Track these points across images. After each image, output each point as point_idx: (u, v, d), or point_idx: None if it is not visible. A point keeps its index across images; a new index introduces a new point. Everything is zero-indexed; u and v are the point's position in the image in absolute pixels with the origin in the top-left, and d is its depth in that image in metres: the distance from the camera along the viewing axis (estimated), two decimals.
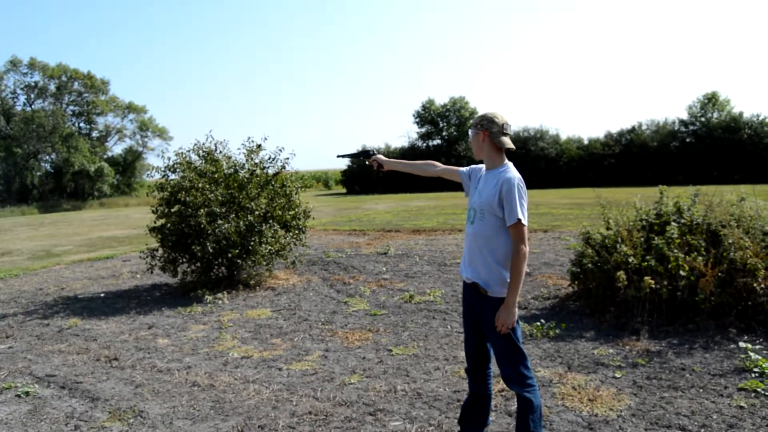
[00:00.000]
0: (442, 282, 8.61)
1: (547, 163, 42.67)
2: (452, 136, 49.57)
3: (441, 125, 50.49)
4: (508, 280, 3.18)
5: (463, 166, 3.75)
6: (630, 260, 5.98)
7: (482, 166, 3.43)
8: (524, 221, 3.11)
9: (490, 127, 3.27)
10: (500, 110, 3.33)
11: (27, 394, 4.84)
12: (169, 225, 8.55)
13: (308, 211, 9.78)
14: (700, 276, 5.73)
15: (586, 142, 45.00)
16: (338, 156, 4.92)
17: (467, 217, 3.43)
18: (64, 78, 47.18)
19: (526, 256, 3.14)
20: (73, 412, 4.45)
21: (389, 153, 46.71)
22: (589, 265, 6.36)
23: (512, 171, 3.21)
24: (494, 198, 3.16)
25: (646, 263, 5.91)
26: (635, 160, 40.95)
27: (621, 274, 5.86)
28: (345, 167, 50.43)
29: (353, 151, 4.37)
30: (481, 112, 3.38)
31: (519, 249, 3.12)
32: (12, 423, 4.29)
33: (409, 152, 48.14)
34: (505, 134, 3.28)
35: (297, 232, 9.49)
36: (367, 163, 4.08)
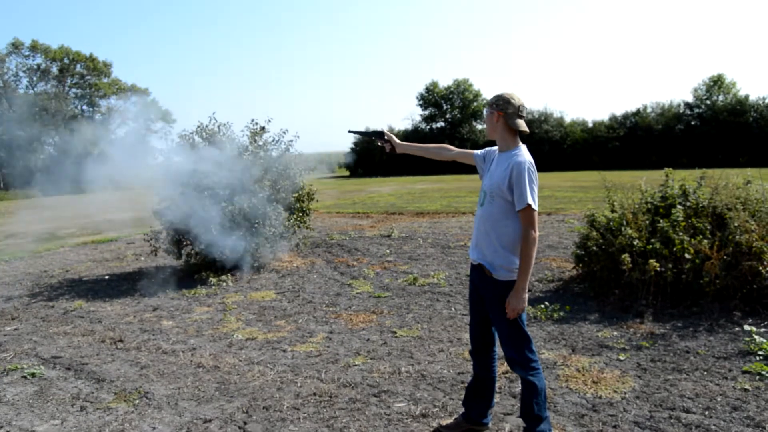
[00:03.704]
0: (446, 264, 8.61)
1: (551, 146, 42.51)
2: (456, 118, 49.38)
3: (445, 108, 50.28)
4: (514, 265, 3.16)
5: (466, 148, 3.71)
6: (635, 243, 5.96)
7: (496, 148, 3.39)
8: (534, 206, 3.07)
9: (505, 107, 3.22)
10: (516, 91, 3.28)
11: (33, 375, 4.86)
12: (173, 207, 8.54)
13: (312, 194, 9.76)
14: (705, 259, 5.71)
15: (590, 125, 44.82)
16: (349, 131, 4.86)
17: (478, 199, 3.41)
18: (66, 60, 47.06)
19: (536, 241, 3.11)
20: (79, 393, 4.47)
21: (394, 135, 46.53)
22: (594, 247, 6.34)
23: (524, 154, 3.17)
24: (504, 181, 3.13)
25: (651, 246, 5.89)
26: (640, 143, 40.77)
27: (626, 256, 5.85)
28: (348, 150, 50.32)
29: (365, 130, 4.31)
30: (490, 92, 3.33)
31: (528, 234, 3.09)
32: (18, 404, 4.32)
33: (413, 135, 47.99)
34: (521, 116, 3.23)
35: (301, 214, 9.48)
36: (378, 144, 4.00)
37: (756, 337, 4.91)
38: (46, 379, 4.80)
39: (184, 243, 8.75)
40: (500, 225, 3.18)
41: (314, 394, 4.27)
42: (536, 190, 3.12)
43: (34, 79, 46.63)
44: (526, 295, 3.14)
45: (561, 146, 43.03)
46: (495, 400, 3.71)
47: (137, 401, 4.27)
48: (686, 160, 35.34)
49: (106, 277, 8.87)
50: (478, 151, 3.55)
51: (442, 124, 50.03)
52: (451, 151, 3.78)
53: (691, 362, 4.58)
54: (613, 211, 6.65)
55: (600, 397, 4.02)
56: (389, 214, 15.49)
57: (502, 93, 3.27)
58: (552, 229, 11.43)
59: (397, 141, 3.93)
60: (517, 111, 3.22)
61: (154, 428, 3.84)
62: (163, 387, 4.52)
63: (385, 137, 3.96)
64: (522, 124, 3.23)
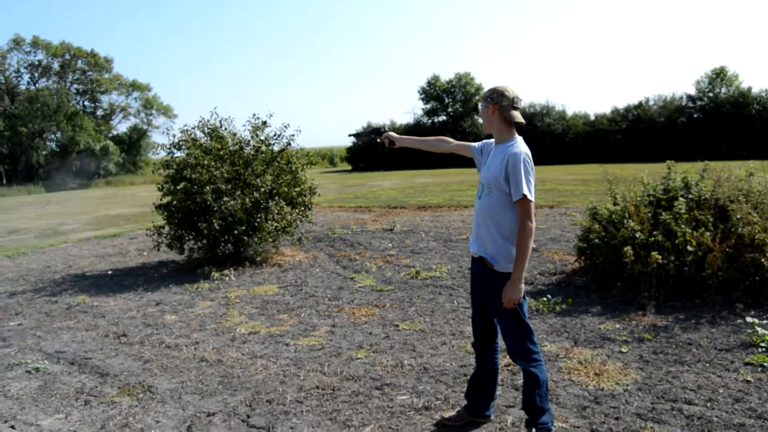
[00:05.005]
0: (448, 258, 8.61)
1: (553, 139, 42.34)
2: (458, 112, 49.25)
3: (446, 101, 50.16)
4: (515, 256, 3.17)
5: (468, 141, 3.72)
6: (637, 235, 5.95)
7: (493, 140, 3.40)
8: (530, 197, 3.08)
9: (500, 100, 3.23)
10: (510, 84, 3.29)
11: (37, 370, 4.89)
12: (175, 202, 8.56)
13: (314, 188, 9.77)
14: (707, 251, 5.70)
15: (592, 117, 44.58)
16: (350, 135, 4.92)
17: (476, 192, 3.42)
18: (67, 56, 47.00)
19: (532, 231, 3.12)
20: (83, 387, 4.50)
21: (395, 130, 46.45)
22: (596, 240, 6.34)
23: (520, 145, 3.18)
24: (501, 173, 3.14)
25: (653, 238, 5.88)
26: (642, 136, 40.59)
27: (628, 249, 5.84)
28: (350, 144, 50.28)
29: (363, 130, 4.33)
30: (489, 86, 3.33)
31: (525, 224, 3.10)
32: (23, 398, 4.34)
33: (414, 129, 47.90)
34: (515, 108, 3.24)
35: (303, 208, 9.49)
36: (378, 141, 4.02)
37: (758, 329, 4.91)
38: (50, 373, 4.82)
39: (187, 238, 8.77)
40: (499, 216, 3.19)
41: (317, 387, 4.29)
42: (532, 180, 3.12)
43: (36, 75, 46.59)
44: (523, 286, 3.15)
45: (563, 139, 42.86)
46: (497, 393, 3.72)
47: (141, 395, 4.29)
48: (689, 152, 35.20)
49: (109, 272, 8.90)
50: (476, 144, 3.57)
51: (444, 117, 49.89)
52: (449, 143, 3.79)
53: (694, 354, 4.58)
54: (615, 204, 6.65)
55: (602, 389, 4.03)
56: (391, 208, 15.48)
57: (496, 86, 3.28)
58: (554, 222, 11.42)
59: (396, 136, 3.95)
60: (511, 103, 3.23)
61: (157, 422, 3.86)
62: (166, 381, 4.54)
63: (383, 134, 3.98)
64: (517, 116, 3.24)
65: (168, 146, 9.10)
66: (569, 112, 45.21)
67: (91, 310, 6.76)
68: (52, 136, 45.39)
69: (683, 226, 5.84)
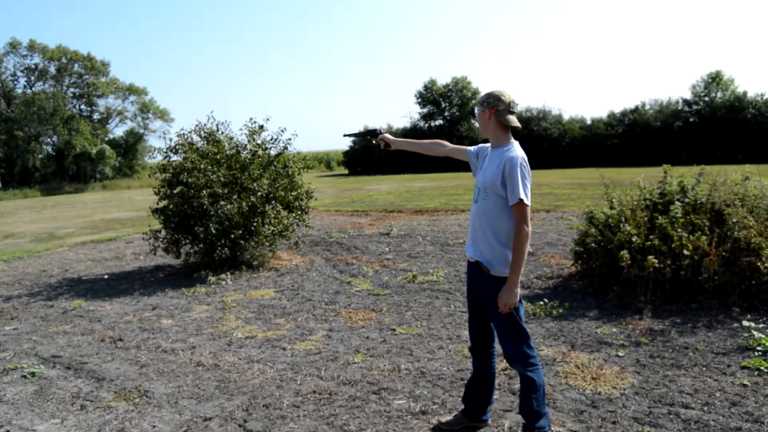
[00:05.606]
0: (445, 262, 8.61)
1: (550, 143, 42.42)
2: (454, 116, 49.30)
3: (443, 105, 50.21)
4: (511, 260, 3.17)
5: (464, 146, 3.72)
6: (633, 239, 5.97)
7: (489, 144, 3.40)
8: (526, 201, 3.09)
9: (496, 104, 3.23)
10: (506, 88, 3.29)
11: (33, 374, 4.87)
12: (171, 206, 8.54)
13: (311, 192, 9.77)
14: (703, 255, 5.71)
15: (588, 122, 44.69)
16: (345, 135, 4.95)
17: (473, 196, 3.42)
18: (64, 60, 46.86)
19: (528, 236, 3.13)
20: (79, 392, 4.48)
21: (392, 133, 46.43)
22: (593, 244, 6.35)
23: (516, 150, 3.19)
24: (497, 177, 3.14)
25: (649, 242, 5.90)
26: (638, 141, 40.66)
27: (624, 253, 5.85)
28: (347, 148, 50.29)
29: (359, 130, 4.33)
30: (486, 90, 3.33)
31: (521, 229, 3.10)
32: (19, 403, 4.32)
33: (411, 133, 47.92)
34: (512, 113, 3.25)
35: (300, 212, 9.49)
36: (374, 142, 4.03)
37: (754, 332, 4.92)
38: (46, 378, 4.80)
39: (183, 242, 8.75)
40: (495, 221, 3.19)
41: (314, 391, 4.28)
42: (529, 185, 3.13)
43: (32, 78, 46.47)
44: (519, 290, 3.15)
45: (559, 143, 42.94)
46: (494, 397, 3.72)
47: (137, 400, 4.27)
48: (685, 156, 35.24)
49: (105, 277, 8.87)
50: (472, 148, 3.57)
51: (441, 122, 49.94)
52: (445, 146, 3.79)
53: (690, 358, 4.59)
54: (611, 208, 6.66)
55: (599, 393, 4.03)
56: (388, 212, 15.48)
57: (493, 90, 3.29)
58: (551, 226, 11.43)
59: (391, 138, 3.95)
60: (508, 107, 3.23)
61: (154, 427, 3.85)
62: (162, 385, 4.52)
63: (380, 135, 3.98)
64: (513, 120, 3.25)
65: (164, 150, 9.09)
66: (566, 116, 45.36)
67: (87, 314, 6.74)
68: (49, 140, 45.22)
69: (679, 230, 5.86)
